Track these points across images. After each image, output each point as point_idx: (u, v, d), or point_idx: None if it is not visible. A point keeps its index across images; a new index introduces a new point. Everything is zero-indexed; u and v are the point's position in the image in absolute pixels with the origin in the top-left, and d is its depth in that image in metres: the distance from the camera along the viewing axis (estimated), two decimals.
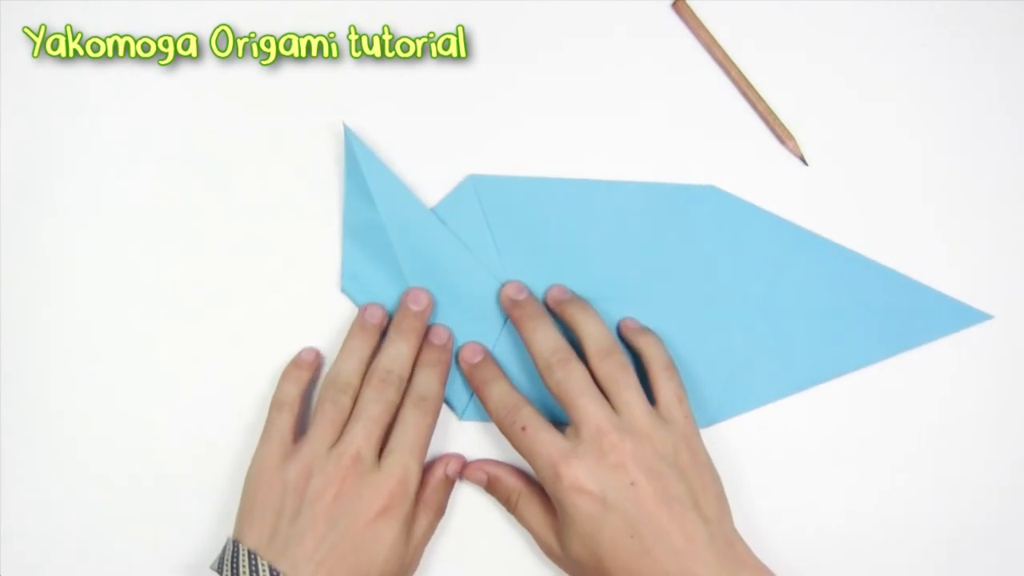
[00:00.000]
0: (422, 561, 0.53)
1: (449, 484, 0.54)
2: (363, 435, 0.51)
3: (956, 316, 0.55)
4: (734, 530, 0.50)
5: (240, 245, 0.56)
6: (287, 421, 0.53)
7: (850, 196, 0.56)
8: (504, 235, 0.56)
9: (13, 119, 0.56)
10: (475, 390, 0.54)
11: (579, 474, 0.49)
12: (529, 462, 0.51)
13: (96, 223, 0.56)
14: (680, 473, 0.49)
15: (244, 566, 0.49)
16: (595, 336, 0.52)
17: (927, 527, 0.54)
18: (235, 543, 0.50)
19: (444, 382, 0.54)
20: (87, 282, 0.56)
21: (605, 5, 0.57)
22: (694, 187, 0.56)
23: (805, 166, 0.56)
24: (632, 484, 0.48)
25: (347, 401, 0.52)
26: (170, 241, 0.56)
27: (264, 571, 0.48)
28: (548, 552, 0.52)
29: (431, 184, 0.56)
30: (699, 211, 0.56)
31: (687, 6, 0.57)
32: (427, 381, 0.53)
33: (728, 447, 0.53)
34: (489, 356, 0.55)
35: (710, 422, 0.54)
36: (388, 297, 0.55)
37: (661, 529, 0.48)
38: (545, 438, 0.50)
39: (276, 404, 0.53)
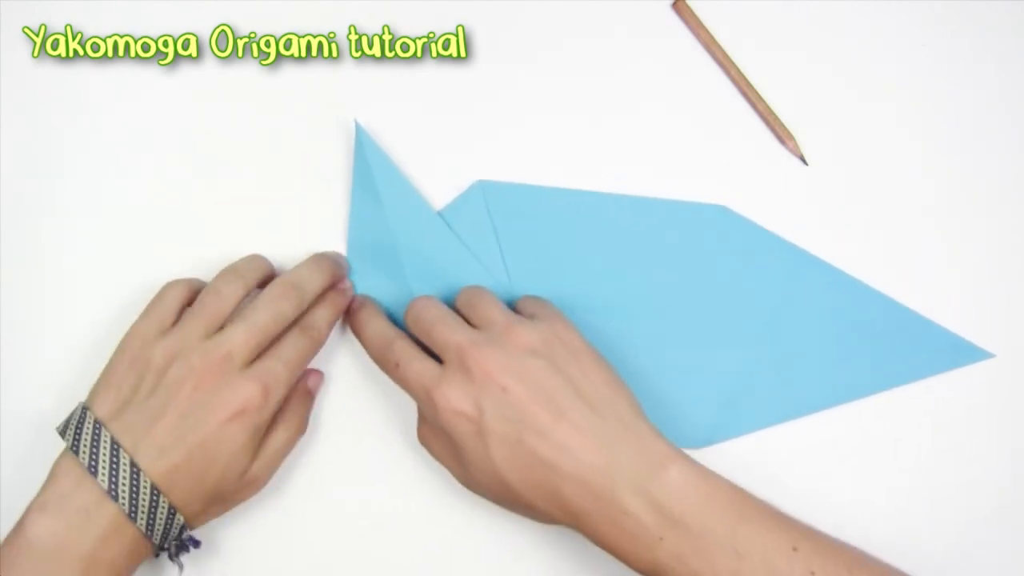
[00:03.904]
0: (437, 551, 0.53)
1: (310, 399, 0.53)
2: (242, 339, 0.49)
3: (957, 352, 0.55)
4: (642, 419, 0.47)
5: (240, 245, 0.56)
6: (177, 300, 0.51)
7: (850, 196, 0.56)
8: (510, 242, 0.55)
9: (13, 119, 0.56)
10: (355, 334, 0.54)
11: (451, 397, 0.47)
12: (411, 397, 0.50)
13: (96, 223, 0.56)
14: (552, 364, 0.47)
15: (87, 434, 0.48)
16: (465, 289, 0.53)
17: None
18: (84, 409, 0.49)
19: (335, 322, 0.53)
20: (87, 282, 0.56)
21: (605, 5, 0.57)
22: (703, 205, 0.56)
23: (805, 166, 0.56)
24: (503, 390, 0.46)
25: (235, 292, 0.51)
26: (170, 241, 0.56)
27: (105, 443, 0.47)
28: (467, 486, 0.50)
29: (429, 184, 0.56)
30: (707, 230, 0.55)
31: (687, 6, 0.57)
32: (321, 314, 0.53)
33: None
34: (368, 300, 0.54)
35: (706, 443, 0.54)
36: (389, 296, 0.55)
37: (545, 427, 0.46)
38: (417, 368, 0.49)
39: (182, 282, 0.52)
